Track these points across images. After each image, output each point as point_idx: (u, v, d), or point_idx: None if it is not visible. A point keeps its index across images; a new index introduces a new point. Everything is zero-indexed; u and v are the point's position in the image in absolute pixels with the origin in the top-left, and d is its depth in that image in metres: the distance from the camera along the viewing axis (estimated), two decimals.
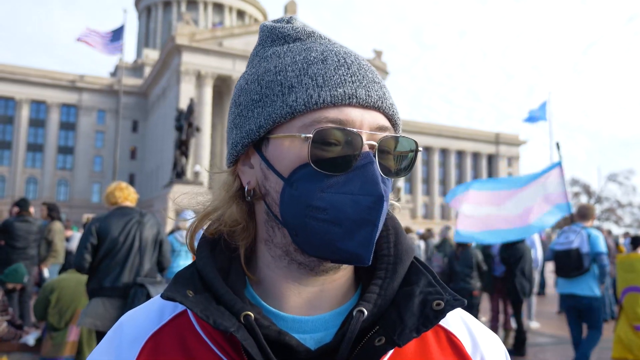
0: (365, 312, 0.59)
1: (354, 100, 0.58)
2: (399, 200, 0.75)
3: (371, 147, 0.59)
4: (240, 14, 78.10)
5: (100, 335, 3.90)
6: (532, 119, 28.74)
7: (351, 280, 0.68)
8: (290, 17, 0.70)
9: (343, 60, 0.61)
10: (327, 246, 0.57)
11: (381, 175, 0.58)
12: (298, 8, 57.17)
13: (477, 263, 7.01)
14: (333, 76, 0.59)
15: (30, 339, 4.69)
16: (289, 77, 0.60)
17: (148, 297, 3.72)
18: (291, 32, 0.66)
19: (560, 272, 5.44)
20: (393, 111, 0.63)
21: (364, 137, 0.58)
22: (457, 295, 0.62)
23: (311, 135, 0.57)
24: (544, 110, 28.16)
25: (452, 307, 0.61)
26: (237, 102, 0.65)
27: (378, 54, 57.86)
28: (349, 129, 0.57)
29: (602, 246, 5.26)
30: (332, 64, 0.60)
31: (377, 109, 0.61)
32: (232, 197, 0.66)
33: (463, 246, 7.26)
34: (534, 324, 8.99)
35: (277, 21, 0.70)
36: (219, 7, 76.01)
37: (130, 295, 3.81)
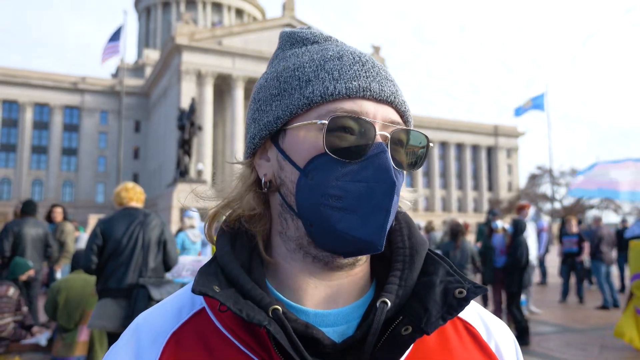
0: (389, 303, 0.59)
1: (368, 93, 0.61)
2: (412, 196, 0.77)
3: (384, 138, 0.61)
4: (239, 12, 77.97)
5: (110, 335, 3.94)
6: (519, 111, 28.27)
7: (367, 274, 0.68)
8: (309, 26, 0.74)
9: (358, 58, 0.64)
10: (341, 236, 0.58)
11: (393, 167, 0.60)
12: (298, 6, 57.08)
13: (472, 256, 6.93)
14: (348, 71, 0.62)
15: (42, 339, 4.77)
16: (306, 72, 0.63)
17: (149, 297, 3.78)
18: (309, 36, 0.70)
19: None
20: (405, 108, 0.66)
21: (377, 128, 0.61)
22: (477, 283, 0.63)
23: (326, 122, 0.59)
24: (542, 101, 27.69)
25: (475, 295, 0.62)
26: (256, 99, 0.68)
27: (376, 49, 57.68)
28: (363, 118, 0.60)
29: None
30: (348, 60, 0.63)
31: (390, 103, 0.63)
32: (248, 188, 0.68)
33: (458, 236, 7.08)
34: (535, 309, 9.23)
35: (297, 29, 0.74)
36: (217, 6, 75.89)
37: (132, 296, 3.86)
